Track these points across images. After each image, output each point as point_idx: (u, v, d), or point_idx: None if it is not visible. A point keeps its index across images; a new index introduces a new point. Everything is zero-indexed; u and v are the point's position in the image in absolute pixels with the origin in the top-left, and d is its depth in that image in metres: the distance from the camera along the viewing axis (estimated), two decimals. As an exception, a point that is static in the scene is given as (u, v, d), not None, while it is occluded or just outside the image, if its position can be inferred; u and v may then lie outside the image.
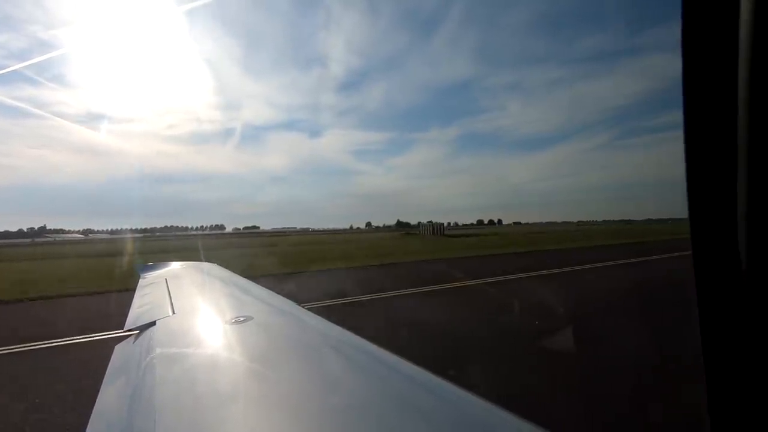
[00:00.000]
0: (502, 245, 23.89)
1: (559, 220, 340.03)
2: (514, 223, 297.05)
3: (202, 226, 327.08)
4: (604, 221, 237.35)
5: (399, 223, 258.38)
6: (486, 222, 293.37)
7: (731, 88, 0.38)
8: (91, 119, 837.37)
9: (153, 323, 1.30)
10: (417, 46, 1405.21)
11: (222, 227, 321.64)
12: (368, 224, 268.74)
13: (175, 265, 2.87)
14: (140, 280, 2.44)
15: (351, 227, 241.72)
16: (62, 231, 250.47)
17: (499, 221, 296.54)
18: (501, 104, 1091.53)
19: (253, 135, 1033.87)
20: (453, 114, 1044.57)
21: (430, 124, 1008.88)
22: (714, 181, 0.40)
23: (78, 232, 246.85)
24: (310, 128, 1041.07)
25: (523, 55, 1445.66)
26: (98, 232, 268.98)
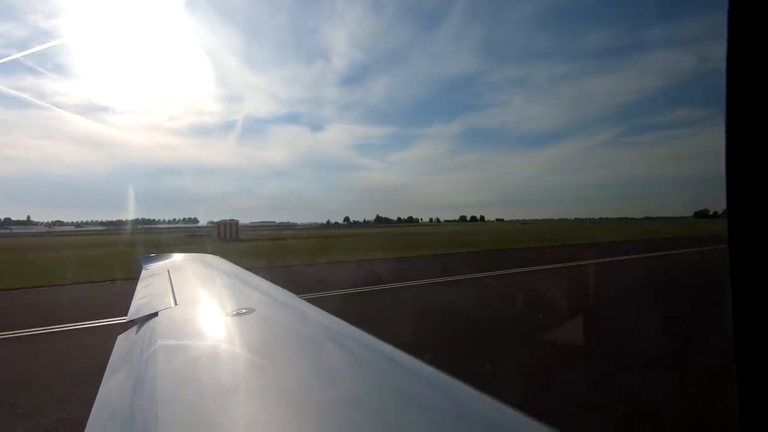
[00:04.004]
0: (293, 253, 18.67)
1: (556, 217, 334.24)
2: (496, 219, 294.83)
3: (174, 219, 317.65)
4: (601, 218, 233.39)
5: (378, 219, 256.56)
6: (468, 219, 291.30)
7: None
8: (92, 110, 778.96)
9: (155, 314, 1.34)
10: (420, 40, 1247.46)
11: (195, 220, 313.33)
12: (346, 219, 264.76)
13: (178, 257, 2.98)
14: (143, 270, 2.52)
15: (328, 222, 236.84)
16: (31, 223, 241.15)
17: (482, 218, 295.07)
18: (505, 100, 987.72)
19: (255, 128, 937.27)
20: (456, 109, 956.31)
21: (433, 119, 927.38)
22: (756, 179, 0.37)
23: (45, 224, 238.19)
24: (312, 122, 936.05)
25: (528, 50, 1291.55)
26: (67, 224, 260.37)
